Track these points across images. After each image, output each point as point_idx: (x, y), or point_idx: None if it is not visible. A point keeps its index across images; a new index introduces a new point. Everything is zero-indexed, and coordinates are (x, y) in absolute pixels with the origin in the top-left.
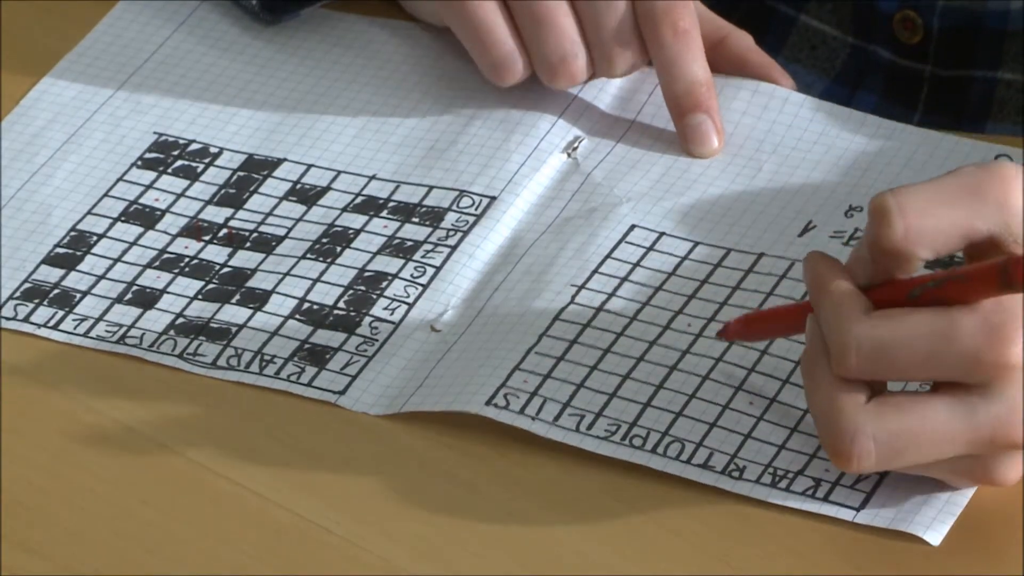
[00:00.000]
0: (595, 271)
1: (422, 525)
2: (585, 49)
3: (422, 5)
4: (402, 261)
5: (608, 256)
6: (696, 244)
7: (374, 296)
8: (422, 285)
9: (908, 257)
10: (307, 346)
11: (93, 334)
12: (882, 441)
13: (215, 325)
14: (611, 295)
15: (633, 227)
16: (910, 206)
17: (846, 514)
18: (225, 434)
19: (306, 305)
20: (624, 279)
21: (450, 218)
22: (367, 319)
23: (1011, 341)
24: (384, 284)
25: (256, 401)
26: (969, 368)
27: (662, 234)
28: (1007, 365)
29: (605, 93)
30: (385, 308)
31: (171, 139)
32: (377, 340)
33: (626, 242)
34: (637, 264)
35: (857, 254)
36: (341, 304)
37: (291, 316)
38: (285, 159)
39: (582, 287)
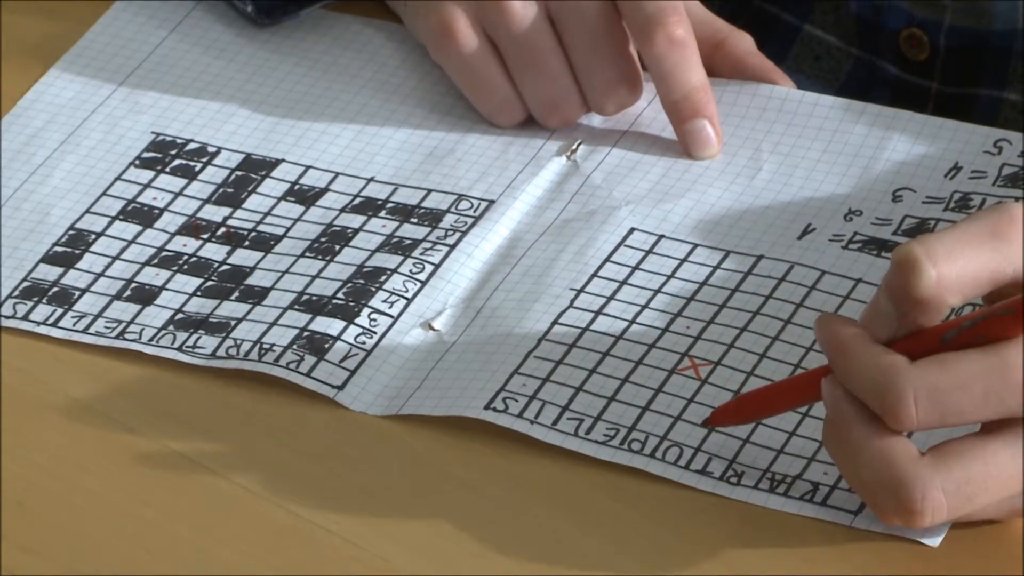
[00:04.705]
0: (594, 275)
1: (422, 525)
2: (577, 90)
3: (415, 32)
4: (401, 258)
5: (607, 260)
6: (695, 246)
7: (373, 289)
8: (420, 281)
9: (939, 306)
10: (306, 334)
11: (92, 330)
12: (952, 492)
13: (214, 320)
14: (610, 299)
15: (632, 230)
16: (939, 253)
17: (844, 518)
18: (225, 434)
19: (305, 297)
20: (623, 282)
21: (448, 219)
22: (366, 310)
23: None
24: (383, 278)
25: (256, 401)
26: None
27: (661, 236)
28: None
29: None
30: (384, 301)
31: (169, 138)
32: (376, 332)
33: (625, 245)
34: (636, 267)
35: (874, 311)
36: (340, 295)
37: (290, 307)
38: (283, 160)
39: (581, 291)
